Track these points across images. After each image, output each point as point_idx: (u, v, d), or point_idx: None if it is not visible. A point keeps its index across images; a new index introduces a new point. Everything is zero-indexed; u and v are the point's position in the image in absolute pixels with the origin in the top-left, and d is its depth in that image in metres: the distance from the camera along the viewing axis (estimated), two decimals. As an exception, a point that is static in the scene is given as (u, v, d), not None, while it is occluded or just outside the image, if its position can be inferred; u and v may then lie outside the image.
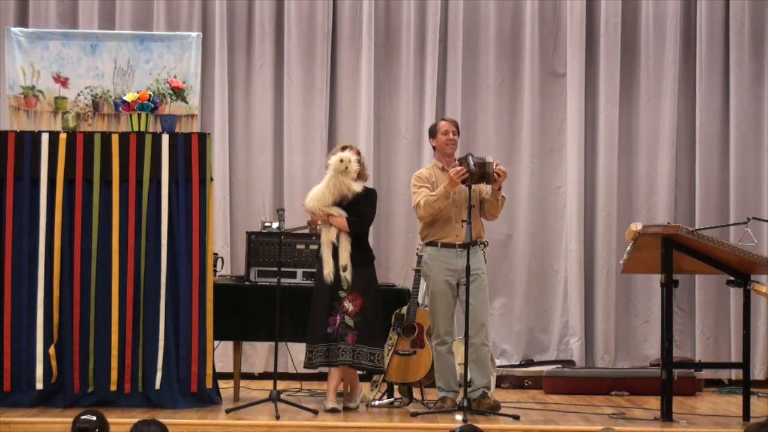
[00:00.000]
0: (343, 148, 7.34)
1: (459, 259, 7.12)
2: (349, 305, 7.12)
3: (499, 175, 7.08)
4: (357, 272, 7.13)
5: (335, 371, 7.21)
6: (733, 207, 9.26)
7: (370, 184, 7.66)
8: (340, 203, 7.19)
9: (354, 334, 7.09)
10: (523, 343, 9.32)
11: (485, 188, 7.26)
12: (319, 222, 7.25)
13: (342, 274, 7.09)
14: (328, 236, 7.18)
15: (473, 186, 7.08)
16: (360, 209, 7.20)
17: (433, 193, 7.15)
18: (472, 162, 7.07)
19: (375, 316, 7.19)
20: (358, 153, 7.34)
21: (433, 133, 7.46)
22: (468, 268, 6.95)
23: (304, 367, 7.34)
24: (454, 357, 7.30)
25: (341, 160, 7.15)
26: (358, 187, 7.19)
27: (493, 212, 7.29)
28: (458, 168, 7.05)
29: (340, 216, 7.16)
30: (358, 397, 7.34)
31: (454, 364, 7.28)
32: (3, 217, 7.15)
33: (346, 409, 7.21)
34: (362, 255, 7.21)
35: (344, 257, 7.12)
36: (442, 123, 7.45)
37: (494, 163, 7.09)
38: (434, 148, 7.48)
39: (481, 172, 7.06)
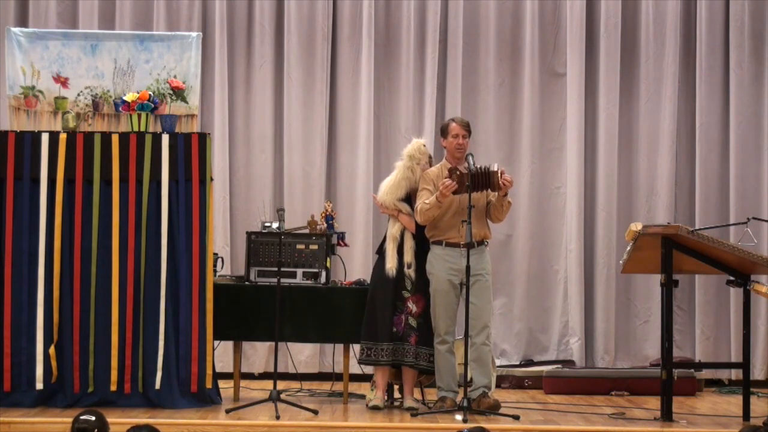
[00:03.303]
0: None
1: (463, 258, 7.09)
2: (413, 306, 7.18)
3: (505, 185, 7.05)
4: (419, 273, 7.20)
5: (385, 370, 7.23)
6: (733, 207, 9.26)
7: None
8: (406, 199, 7.24)
9: (416, 335, 7.16)
10: (523, 343, 9.32)
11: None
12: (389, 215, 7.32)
13: (406, 271, 7.15)
14: (392, 231, 7.23)
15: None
16: None
17: (427, 201, 7.14)
18: (472, 162, 7.08)
19: (430, 319, 7.24)
20: (430, 156, 7.43)
21: (444, 133, 7.39)
22: (468, 268, 6.95)
23: (360, 363, 7.39)
24: (454, 356, 7.29)
25: (419, 148, 7.20)
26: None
27: (498, 216, 7.27)
28: (447, 182, 7.02)
29: (409, 215, 7.20)
30: (413, 397, 7.33)
31: (454, 363, 7.27)
32: (3, 217, 7.15)
33: (410, 409, 7.15)
34: (422, 256, 7.26)
35: (409, 255, 7.19)
36: (453, 125, 7.34)
37: (500, 172, 7.03)
38: (444, 147, 7.44)
39: (485, 181, 7.03)
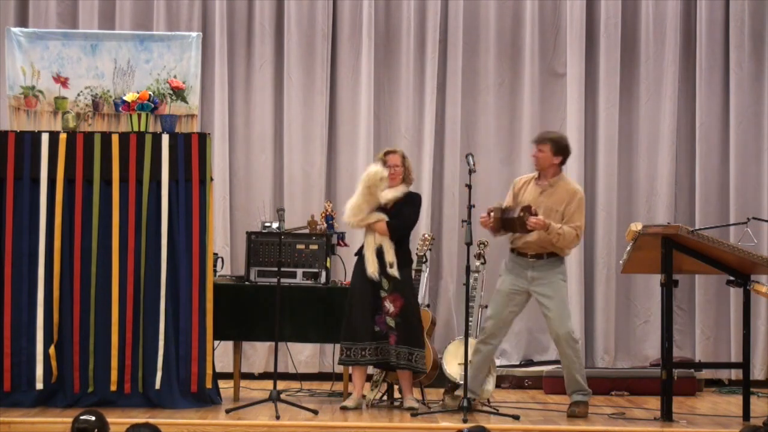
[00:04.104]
0: (386, 153, 7.32)
1: (529, 269, 7.10)
2: (389, 306, 7.16)
3: (532, 226, 6.93)
4: (401, 272, 7.17)
5: (362, 370, 7.24)
6: (733, 207, 9.26)
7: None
8: (380, 208, 7.22)
9: (395, 335, 7.14)
10: (523, 343, 9.31)
11: (559, 207, 7.11)
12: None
13: (389, 270, 7.13)
14: (372, 238, 7.22)
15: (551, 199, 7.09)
16: (400, 213, 7.21)
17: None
18: (471, 162, 7.11)
19: (414, 317, 7.23)
20: (406, 157, 7.35)
21: (567, 152, 7.25)
22: (468, 268, 6.96)
23: (340, 363, 7.36)
24: (492, 357, 7.22)
25: (375, 173, 7.15)
26: (393, 193, 7.19)
27: (557, 245, 7.09)
28: (483, 218, 7.04)
29: (380, 221, 7.18)
30: (356, 399, 7.31)
31: (481, 366, 7.19)
32: (3, 217, 7.15)
33: (410, 408, 7.14)
34: (402, 257, 7.24)
35: (390, 254, 7.16)
36: None
37: (524, 215, 6.91)
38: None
39: (507, 226, 7.02)
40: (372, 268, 7.15)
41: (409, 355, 7.16)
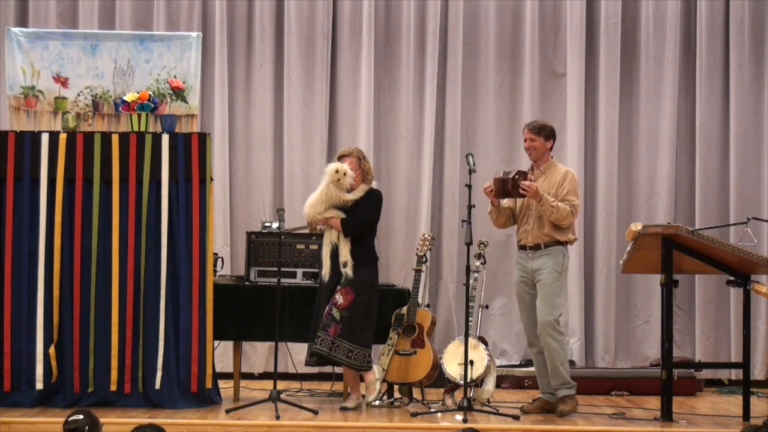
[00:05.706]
0: (340, 158, 7.31)
1: (530, 260, 7.12)
2: (340, 298, 7.12)
3: (525, 190, 7.00)
4: (356, 271, 7.14)
5: (348, 370, 7.25)
6: (733, 207, 9.26)
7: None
8: (342, 208, 7.21)
9: (338, 327, 7.09)
10: (523, 343, 9.27)
11: (552, 190, 7.13)
12: (320, 225, 7.28)
13: (343, 270, 7.11)
14: (329, 236, 7.21)
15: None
16: (357, 210, 7.20)
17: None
18: (471, 162, 7.12)
19: (364, 316, 7.18)
20: (363, 157, 7.33)
21: (555, 135, 7.40)
22: (468, 268, 6.98)
23: (307, 365, 7.39)
24: (543, 357, 7.19)
25: (336, 171, 7.15)
26: (352, 195, 7.20)
27: (550, 220, 7.10)
28: (486, 185, 7.13)
29: (335, 217, 7.18)
30: (355, 399, 7.31)
31: (543, 364, 7.20)
32: (3, 217, 7.15)
33: (343, 409, 7.22)
34: (362, 255, 7.20)
35: (344, 254, 7.15)
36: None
37: (515, 178, 7.00)
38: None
39: (504, 188, 7.07)
40: (325, 269, 7.17)
41: (349, 351, 7.10)
